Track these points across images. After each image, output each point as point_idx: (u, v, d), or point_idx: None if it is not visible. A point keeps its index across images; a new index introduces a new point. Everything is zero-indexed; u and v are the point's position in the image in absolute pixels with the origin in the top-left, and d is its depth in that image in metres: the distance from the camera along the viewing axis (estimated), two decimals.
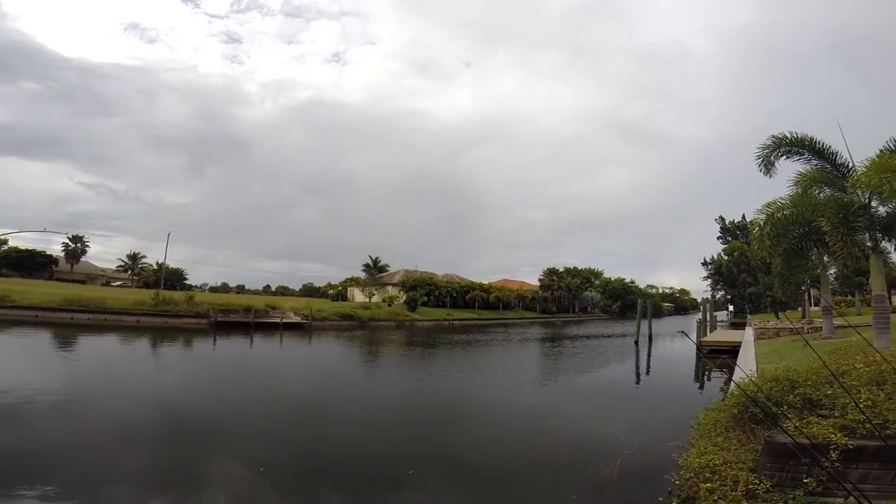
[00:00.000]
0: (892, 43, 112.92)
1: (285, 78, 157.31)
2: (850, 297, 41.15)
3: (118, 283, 71.14)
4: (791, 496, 4.00)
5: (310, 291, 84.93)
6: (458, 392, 15.03)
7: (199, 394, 13.40)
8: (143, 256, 74.91)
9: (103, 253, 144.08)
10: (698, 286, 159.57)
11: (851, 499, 3.31)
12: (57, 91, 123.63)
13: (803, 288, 31.49)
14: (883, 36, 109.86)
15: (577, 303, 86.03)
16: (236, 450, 8.24)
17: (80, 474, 6.63)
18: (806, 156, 12.90)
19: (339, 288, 74.05)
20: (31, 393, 11.23)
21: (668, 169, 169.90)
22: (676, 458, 5.53)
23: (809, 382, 5.44)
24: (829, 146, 12.49)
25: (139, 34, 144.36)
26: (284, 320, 35.90)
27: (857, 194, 11.20)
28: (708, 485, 4.27)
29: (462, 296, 63.08)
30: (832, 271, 27.57)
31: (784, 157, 13.12)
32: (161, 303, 33.92)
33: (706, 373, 19.10)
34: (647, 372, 21.78)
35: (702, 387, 16.91)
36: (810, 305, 33.41)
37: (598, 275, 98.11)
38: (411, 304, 51.56)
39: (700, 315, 39.47)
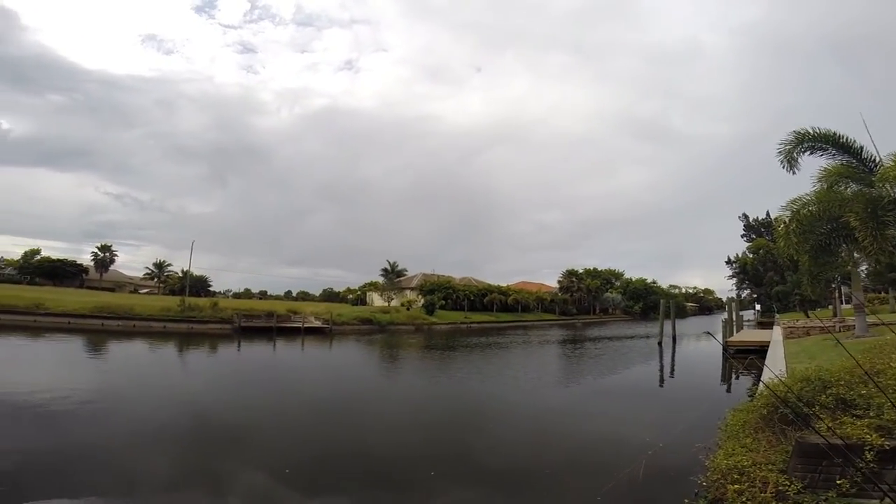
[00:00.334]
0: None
1: (299, 86, 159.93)
2: (883, 294, 39.66)
3: (145, 290, 73.28)
4: (823, 498, 3.89)
5: (330, 296, 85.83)
6: (477, 394, 15.01)
7: (225, 397, 13.69)
8: (169, 265, 77.22)
9: (131, 262, 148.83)
10: (723, 285, 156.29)
11: (887, 500, 3.20)
12: (81, 103, 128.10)
13: (833, 285, 30.55)
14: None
15: (598, 304, 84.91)
16: (263, 451, 8.41)
17: (113, 474, 6.85)
18: (830, 151, 12.59)
19: (359, 293, 74.64)
20: (67, 396, 11.66)
21: (685, 167, 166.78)
22: (703, 459, 5.44)
23: (842, 382, 5.30)
24: (854, 141, 12.15)
25: (156, 45, 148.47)
26: (306, 325, 36.38)
27: (886, 188, 10.86)
28: (736, 486, 4.18)
29: (480, 299, 62.88)
30: (863, 267, 26.66)
31: (807, 152, 12.81)
32: (187, 309, 34.79)
33: (733, 373, 18.66)
34: (672, 373, 21.38)
35: (728, 388, 16.52)
36: (841, 303, 32.26)
37: (618, 275, 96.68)
38: (429, 308, 51.67)
39: (725, 315, 38.54)
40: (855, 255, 16.33)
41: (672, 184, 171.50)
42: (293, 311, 41.04)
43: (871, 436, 4.03)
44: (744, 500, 4.04)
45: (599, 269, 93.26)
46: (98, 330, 28.74)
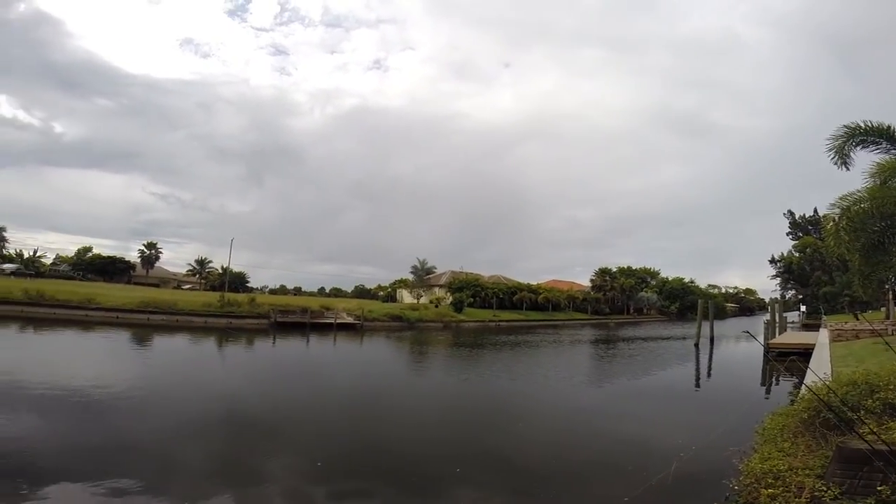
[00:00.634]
0: None
1: (331, 87, 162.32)
2: None
3: (188, 286, 76.51)
4: None
5: (361, 293, 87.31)
6: (506, 392, 14.99)
7: (261, 390, 14.21)
8: (210, 262, 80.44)
9: (174, 259, 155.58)
10: (765, 285, 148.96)
11: None
12: (127, 107, 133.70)
13: (887, 286, 28.75)
14: None
15: (632, 304, 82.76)
16: (296, 444, 8.71)
17: (154, 464, 7.19)
18: (884, 145, 11.91)
19: (389, 290, 75.59)
20: (114, 387, 12.37)
21: (724, 162, 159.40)
22: (737, 462, 5.29)
23: (892, 386, 5.06)
24: None
25: (194, 49, 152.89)
26: (338, 321, 37.14)
27: None
28: (769, 490, 4.06)
29: (509, 297, 62.45)
30: None
31: (859, 147, 12.15)
32: (226, 304, 36.18)
33: (774, 377, 17.90)
34: (709, 375, 20.72)
35: (768, 391, 15.88)
36: (894, 305, 30.34)
37: (654, 274, 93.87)
38: (458, 306, 51.76)
39: (768, 316, 36.90)
40: None
41: (711, 179, 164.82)
42: (326, 307, 41.97)
43: None
44: None
45: (634, 268, 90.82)
46: (144, 324, 30.25)
